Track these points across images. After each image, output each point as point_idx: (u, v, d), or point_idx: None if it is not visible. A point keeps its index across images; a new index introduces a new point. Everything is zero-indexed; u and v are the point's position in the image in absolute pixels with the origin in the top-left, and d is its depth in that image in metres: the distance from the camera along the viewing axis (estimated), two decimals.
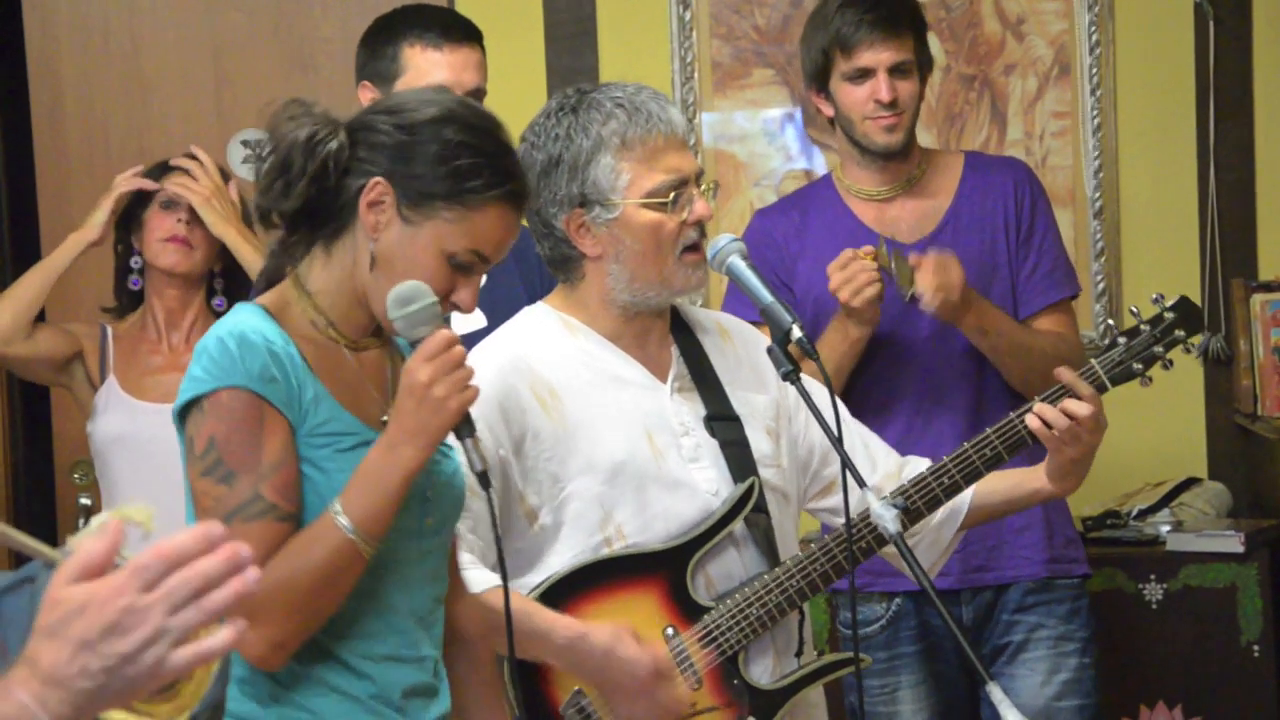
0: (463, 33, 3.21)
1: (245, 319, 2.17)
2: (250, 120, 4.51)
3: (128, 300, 3.73)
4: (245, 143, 4.46)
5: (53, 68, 4.53)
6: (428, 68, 3.17)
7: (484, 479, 2.14)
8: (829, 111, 3.38)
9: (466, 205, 2.15)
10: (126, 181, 3.70)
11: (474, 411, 2.53)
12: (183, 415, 2.15)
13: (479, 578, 2.49)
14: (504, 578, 2.21)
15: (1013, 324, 3.30)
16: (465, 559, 2.50)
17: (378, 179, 2.15)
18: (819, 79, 3.35)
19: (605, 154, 2.56)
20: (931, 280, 3.17)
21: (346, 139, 2.18)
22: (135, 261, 3.70)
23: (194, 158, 3.72)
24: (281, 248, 2.24)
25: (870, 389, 3.29)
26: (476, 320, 3.14)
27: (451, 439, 2.19)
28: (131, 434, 3.56)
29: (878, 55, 3.28)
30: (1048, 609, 3.34)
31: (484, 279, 3.16)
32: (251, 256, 3.59)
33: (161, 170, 3.75)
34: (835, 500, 2.75)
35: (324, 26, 4.51)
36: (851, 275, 3.16)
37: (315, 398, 2.15)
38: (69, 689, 1.35)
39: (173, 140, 4.35)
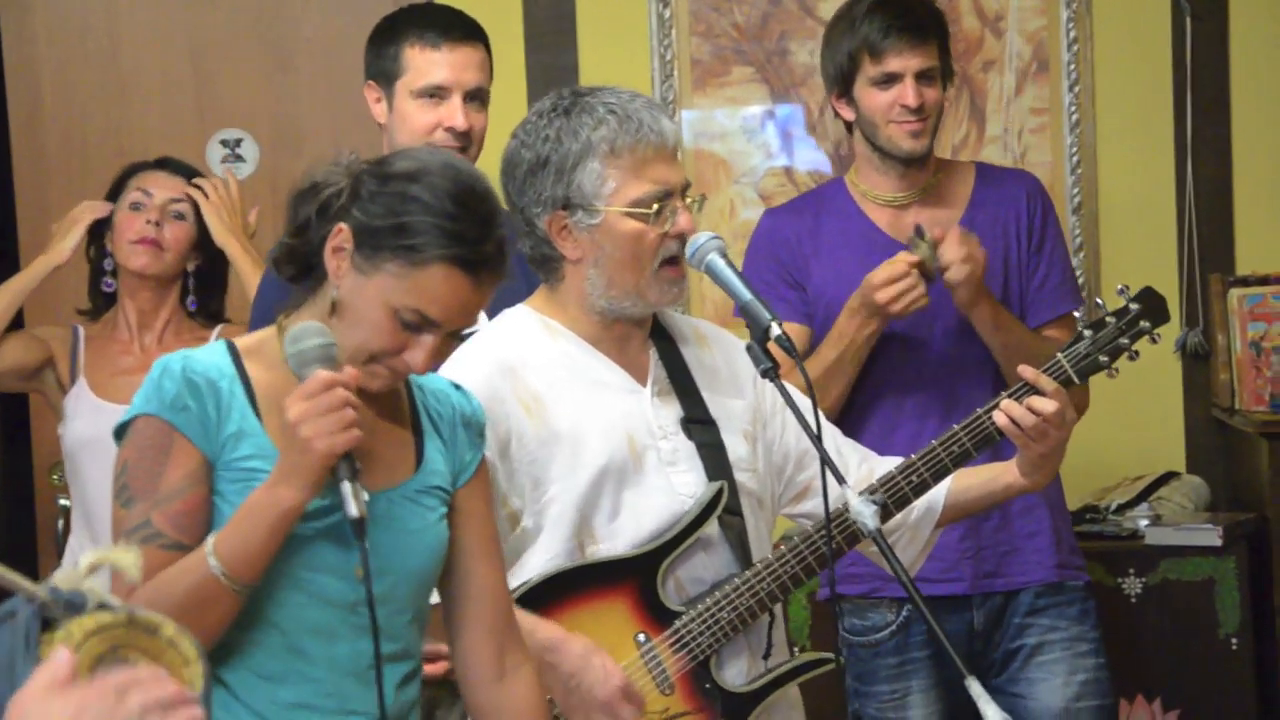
0: (463, 31, 3.20)
1: (195, 350, 2.20)
2: (230, 120, 4.51)
3: (103, 302, 3.73)
4: (224, 142, 4.45)
5: (30, 68, 4.52)
6: (426, 67, 3.17)
7: (358, 527, 2.08)
8: (849, 116, 3.38)
9: (410, 262, 2.12)
10: (93, 209, 3.69)
11: None
12: (119, 438, 2.19)
13: None
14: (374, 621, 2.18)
15: (1023, 327, 3.32)
16: None
17: (342, 225, 2.15)
18: (842, 83, 3.36)
19: (593, 159, 2.55)
20: (958, 250, 3.18)
21: (348, 185, 2.19)
22: (108, 263, 3.69)
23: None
24: (295, 293, 2.26)
25: (881, 389, 3.30)
26: (479, 320, 3.13)
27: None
28: (101, 436, 3.53)
29: (906, 61, 3.30)
30: (1059, 611, 3.35)
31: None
32: (250, 270, 3.60)
33: (131, 172, 3.74)
34: (809, 505, 2.76)
35: (304, 26, 4.50)
36: (905, 289, 3.17)
37: (239, 433, 2.14)
38: None
39: (152, 140, 4.34)
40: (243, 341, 2.23)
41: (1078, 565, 3.41)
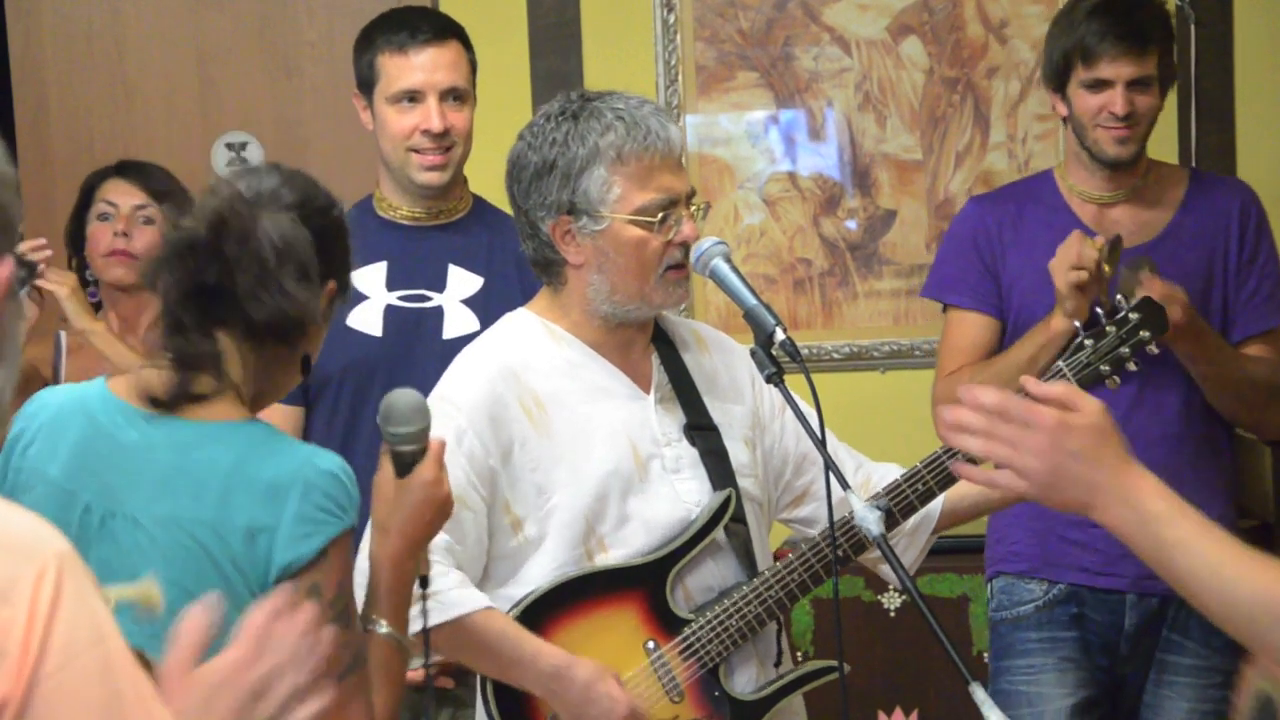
0: (432, 32, 3.20)
1: (310, 447, 2.16)
2: (234, 124, 4.51)
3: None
4: (230, 145, 4.46)
5: (37, 72, 4.53)
6: (397, 73, 3.18)
7: (424, 582, 2.19)
8: (1063, 111, 3.37)
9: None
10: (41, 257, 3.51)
11: (464, 420, 2.55)
12: (307, 565, 2.06)
13: (469, 597, 2.50)
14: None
15: (1225, 352, 3.28)
16: (455, 578, 2.50)
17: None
18: (1056, 80, 3.35)
19: (599, 165, 2.55)
20: (1161, 292, 3.06)
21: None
22: (89, 274, 3.66)
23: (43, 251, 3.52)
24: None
25: None
26: (469, 324, 3.14)
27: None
28: None
29: (1118, 69, 3.27)
30: (1205, 638, 3.32)
31: (481, 284, 3.19)
32: (126, 355, 3.44)
33: (94, 182, 3.68)
34: (807, 510, 2.76)
35: (308, 31, 4.51)
36: (1069, 255, 3.14)
37: None
38: None
39: (156, 143, 4.35)
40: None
41: None
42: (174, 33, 4.52)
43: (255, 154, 4.47)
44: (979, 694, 2.24)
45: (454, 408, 2.56)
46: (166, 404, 2.07)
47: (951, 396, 3.35)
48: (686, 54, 4.43)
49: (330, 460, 2.08)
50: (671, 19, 4.42)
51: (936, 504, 2.77)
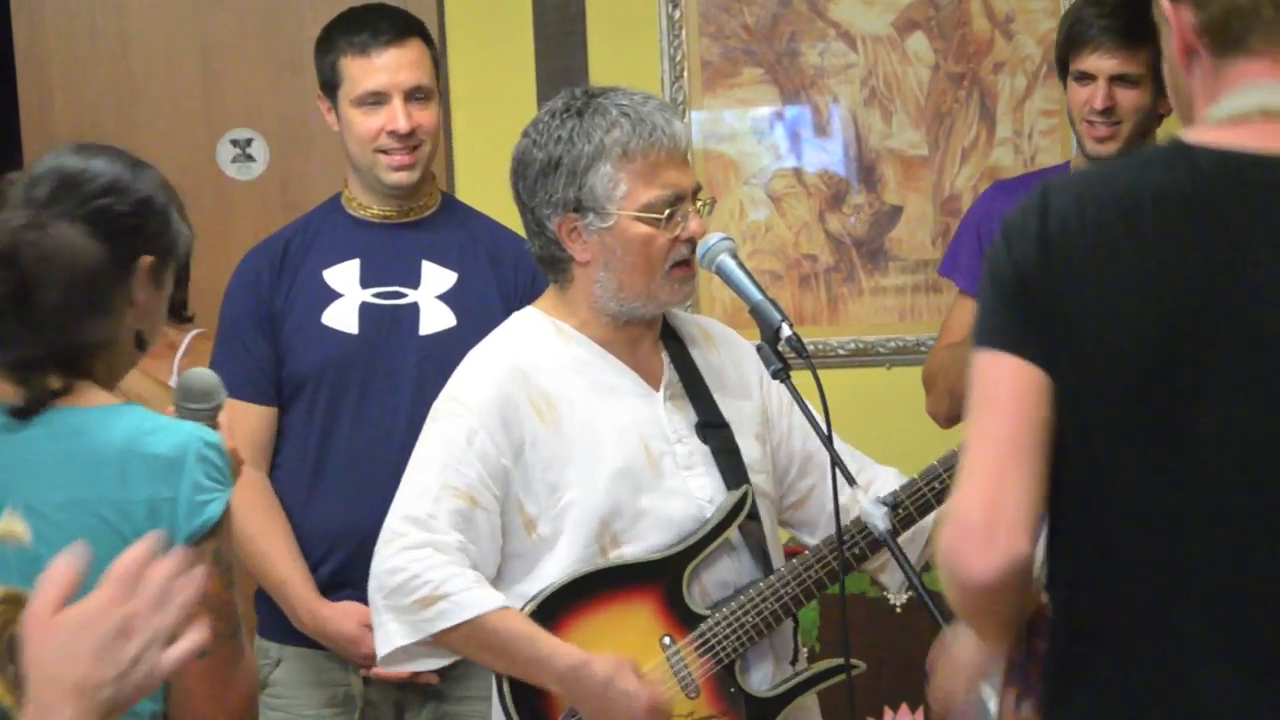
0: (393, 33, 3.19)
1: (188, 423, 2.19)
2: (238, 121, 4.51)
3: None
4: (234, 142, 4.46)
5: (41, 68, 4.53)
6: (361, 75, 3.18)
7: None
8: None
9: None
10: None
11: (475, 420, 2.54)
12: (209, 531, 2.10)
13: (485, 597, 2.49)
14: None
15: None
16: (470, 577, 2.49)
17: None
18: (1059, 69, 3.33)
19: (605, 162, 2.55)
20: None
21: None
22: None
23: None
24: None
25: None
26: (445, 319, 3.13)
27: None
28: None
29: (1100, 62, 3.21)
30: None
31: (455, 279, 3.19)
32: (137, 379, 3.44)
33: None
34: (805, 514, 2.76)
35: (312, 27, 4.47)
36: None
37: None
38: (94, 699, 1.45)
39: (161, 141, 4.35)
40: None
41: None
42: (178, 29, 4.52)
43: (260, 151, 4.47)
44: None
45: (464, 408, 2.56)
46: (30, 411, 2.10)
47: (930, 373, 3.39)
48: (691, 50, 4.43)
49: (210, 433, 2.14)
50: (676, 15, 4.41)
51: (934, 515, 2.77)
